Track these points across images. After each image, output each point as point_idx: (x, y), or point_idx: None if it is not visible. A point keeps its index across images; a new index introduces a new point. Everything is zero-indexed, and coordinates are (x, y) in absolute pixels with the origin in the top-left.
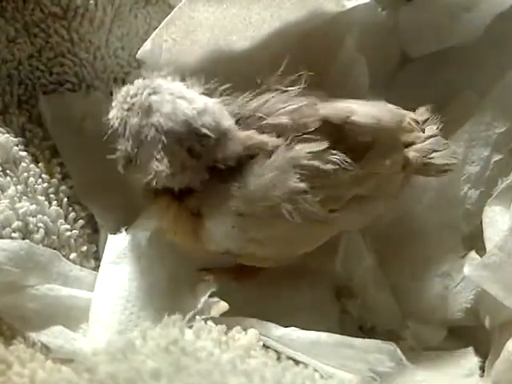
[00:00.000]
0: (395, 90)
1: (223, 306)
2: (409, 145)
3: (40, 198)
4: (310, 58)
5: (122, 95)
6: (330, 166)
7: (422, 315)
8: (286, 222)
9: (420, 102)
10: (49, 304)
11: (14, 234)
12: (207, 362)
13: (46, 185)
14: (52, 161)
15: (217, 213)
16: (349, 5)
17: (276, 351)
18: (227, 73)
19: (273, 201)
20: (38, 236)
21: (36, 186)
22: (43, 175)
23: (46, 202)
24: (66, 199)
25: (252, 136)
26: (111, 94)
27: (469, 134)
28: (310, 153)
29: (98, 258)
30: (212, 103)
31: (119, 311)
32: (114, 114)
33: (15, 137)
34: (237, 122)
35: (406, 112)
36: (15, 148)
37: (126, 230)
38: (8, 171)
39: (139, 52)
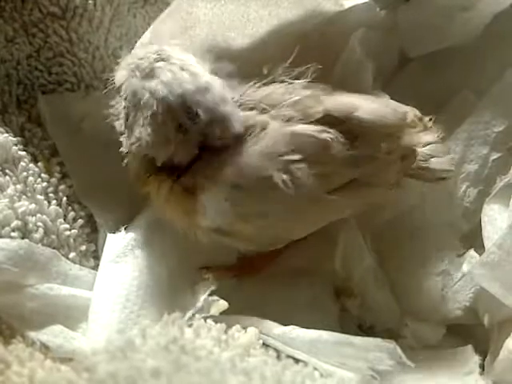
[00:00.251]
0: (394, 89)
1: (223, 304)
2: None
3: (39, 197)
4: (310, 58)
5: (132, 56)
6: (324, 135)
7: (421, 313)
8: (281, 196)
9: (419, 102)
10: (48, 303)
11: (13, 234)
12: (207, 360)
13: (45, 184)
14: (51, 160)
15: (211, 184)
16: (347, 4)
17: (276, 350)
18: None
19: (267, 170)
20: (37, 235)
21: (35, 185)
22: (42, 174)
23: (46, 202)
24: (65, 198)
25: (252, 116)
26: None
27: (467, 133)
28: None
29: (97, 257)
30: (217, 83)
31: (119, 310)
32: (120, 73)
33: (14, 136)
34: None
35: (409, 108)
36: (14, 147)
37: (125, 229)
38: (7, 170)
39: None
